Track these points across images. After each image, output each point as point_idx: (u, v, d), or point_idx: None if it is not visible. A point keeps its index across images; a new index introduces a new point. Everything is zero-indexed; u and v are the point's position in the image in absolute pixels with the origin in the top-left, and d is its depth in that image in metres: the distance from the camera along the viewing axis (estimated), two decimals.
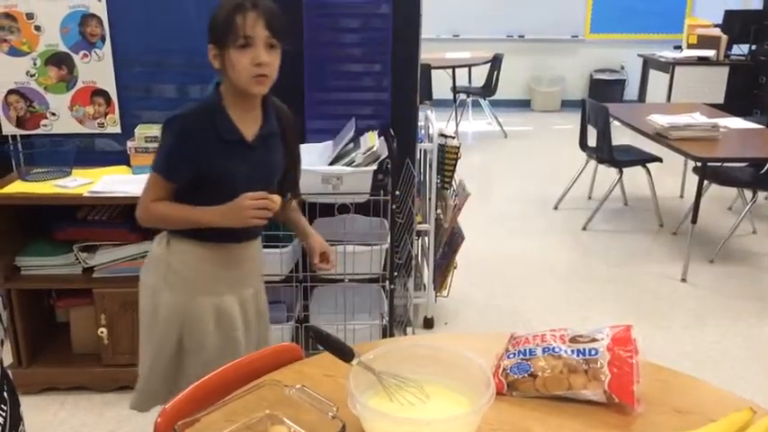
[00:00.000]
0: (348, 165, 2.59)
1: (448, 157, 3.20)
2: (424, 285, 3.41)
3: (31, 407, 2.66)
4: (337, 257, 2.52)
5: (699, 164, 3.93)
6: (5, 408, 0.88)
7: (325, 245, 2.03)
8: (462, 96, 7.73)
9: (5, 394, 0.90)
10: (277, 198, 1.72)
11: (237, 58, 1.64)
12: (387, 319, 2.79)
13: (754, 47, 6.91)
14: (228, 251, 1.85)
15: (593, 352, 1.35)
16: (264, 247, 2.61)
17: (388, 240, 2.68)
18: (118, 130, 2.87)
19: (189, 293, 1.82)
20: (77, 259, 2.68)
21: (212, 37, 1.70)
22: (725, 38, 6.84)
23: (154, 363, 1.89)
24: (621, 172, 4.74)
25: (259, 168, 1.79)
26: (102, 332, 2.67)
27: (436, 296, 3.42)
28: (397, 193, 2.68)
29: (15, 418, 0.91)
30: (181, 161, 1.71)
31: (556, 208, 5.14)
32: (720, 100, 6.58)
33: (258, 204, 1.67)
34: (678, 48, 7.37)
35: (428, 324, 3.36)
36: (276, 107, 1.85)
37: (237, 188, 1.70)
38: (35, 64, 2.78)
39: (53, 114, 2.85)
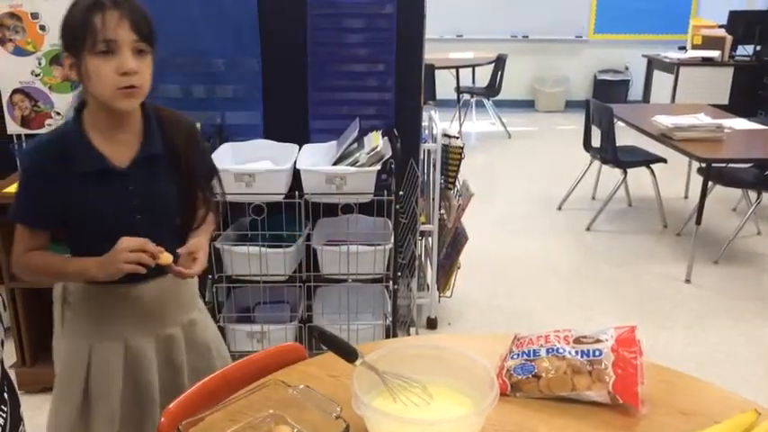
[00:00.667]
0: (352, 165, 2.59)
1: (452, 158, 3.20)
2: (428, 286, 3.41)
3: (34, 406, 2.66)
4: (340, 257, 2.52)
5: (703, 165, 3.92)
6: (6, 408, 0.88)
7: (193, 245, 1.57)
8: (466, 97, 7.73)
9: (5, 395, 0.89)
10: (164, 257, 1.44)
11: (98, 66, 1.37)
12: (390, 319, 2.79)
13: (758, 47, 6.90)
14: (133, 291, 1.56)
15: (597, 353, 1.35)
16: (269, 247, 2.63)
17: (392, 240, 2.68)
18: None
19: (90, 337, 1.59)
20: None
21: (65, 43, 1.41)
22: (729, 38, 6.82)
23: (57, 415, 1.68)
24: (625, 172, 4.73)
25: (139, 199, 1.50)
26: None
27: (440, 296, 3.42)
28: (401, 193, 2.68)
29: (15, 419, 0.91)
30: (34, 204, 1.47)
31: (560, 208, 5.14)
32: (725, 101, 6.57)
33: (132, 258, 1.40)
34: (683, 48, 7.36)
35: (431, 324, 3.36)
36: (163, 121, 1.55)
37: (116, 226, 1.46)
38: (40, 63, 2.79)
39: (58, 114, 2.86)
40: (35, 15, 2.73)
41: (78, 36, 1.37)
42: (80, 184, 1.45)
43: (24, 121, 2.86)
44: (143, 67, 1.42)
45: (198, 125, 1.68)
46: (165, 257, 1.46)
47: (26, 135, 2.86)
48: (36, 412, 2.62)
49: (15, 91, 2.81)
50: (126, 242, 1.41)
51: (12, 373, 2.73)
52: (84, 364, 1.61)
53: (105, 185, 1.47)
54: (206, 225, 1.66)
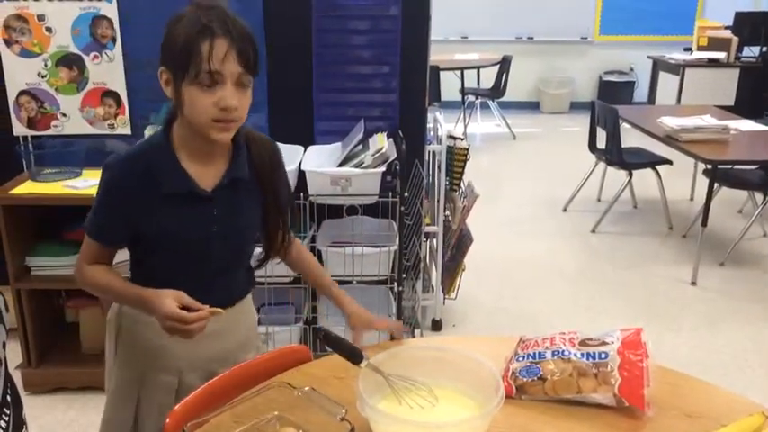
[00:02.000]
0: (357, 166, 2.59)
1: (456, 159, 3.20)
2: (433, 287, 3.41)
3: (40, 406, 2.68)
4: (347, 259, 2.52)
5: (709, 166, 3.91)
6: (8, 412, 0.88)
7: (367, 319, 1.61)
8: (471, 98, 7.72)
9: (8, 398, 0.89)
10: (197, 326, 1.31)
11: (197, 96, 1.28)
12: (395, 320, 2.78)
13: (764, 49, 6.87)
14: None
15: (603, 355, 1.34)
16: None
17: (397, 242, 2.68)
18: (128, 131, 2.89)
19: (143, 368, 1.51)
20: None
21: (166, 59, 1.32)
22: (735, 40, 6.80)
23: None
24: (631, 174, 4.72)
25: (220, 225, 1.43)
26: None
27: (444, 298, 3.41)
28: (406, 194, 2.68)
29: (18, 423, 0.91)
30: (111, 220, 1.40)
31: (565, 210, 5.13)
32: (731, 102, 6.54)
33: (168, 326, 1.31)
34: (688, 50, 7.34)
35: (436, 326, 3.35)
36: (250, 143, 1.49)
37: (192, 251, 1.42)
38: (46, 65, 2.80)
39: (64, 115, 2.87)
40: (41, 17, 2.74)
41: (180, 59, 1.27)
42: (163, 204, 1.38)
43: (31, 123, 2.87)
44: (243, 100, 1.33)
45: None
46: (215, 312, 1.35)
47: (32, 136, 2.87)
48: (42, 412, 2.64)
49: (22, 92, 2.83)
50: (168, 307, 1.30)
51: (18, 374, 2.74)
52: (134, 395, 1.53)
53: (189, 208, 1.40)
54: (314, 266, 1.68)
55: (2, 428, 0.85)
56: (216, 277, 1.48)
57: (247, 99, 1.35)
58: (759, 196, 4.50)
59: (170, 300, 1.31)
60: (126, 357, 1.54)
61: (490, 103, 7.84)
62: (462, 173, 3.25)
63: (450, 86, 7.35)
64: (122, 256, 1.52)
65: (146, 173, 1.36)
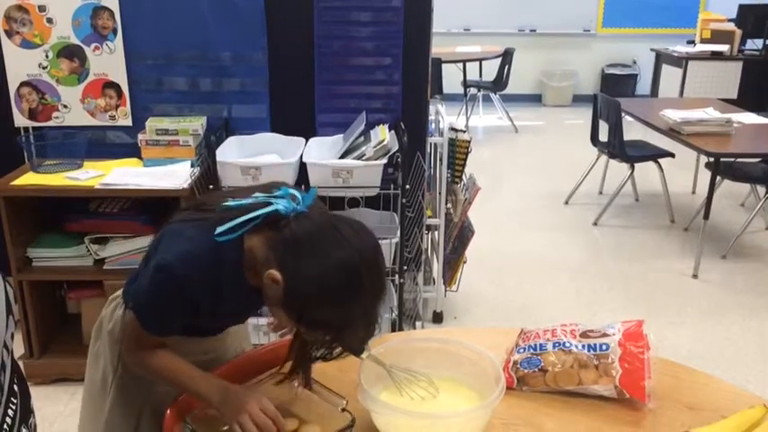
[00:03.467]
0: (358, 158, 2.59)
1: (458, 152, 3.19)
2: (434, 280, 3.41)
3: (42, 397, 2.68)
4: None
5: (711, 159, 3.90)
6: (15, 400, 0.88)
7: None
8: (473, 91, 7.70)
9: (16, 387, 0.89)
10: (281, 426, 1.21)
11: (283, 321, 1.24)
12: (396, 313, 2.79)
13: None
14: (204, 339, 1.47)
15: (604, 347, 1.34)
16: None
17: (398, 234, 2.68)
18: (129, 122, 2.88)
19: (148, 382, 1.42)
20: (88, 251, 2.69)
21: (288, 295, 1.15)
22: (739, 32, 6.77)
23: None
24: (633, 167, 4.71)
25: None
26: None
27: (446, 290, 3.41)
28: (408, 187, 2.68)
29: (26, 411, 0.91)
30: (173, 320, 1.29)
31: (566, 203, 5.12)
32: (734, 95, 6.52)
33: (260, 421, 1.18)
34: (691, 42, 7.31)
35: (437, 318, 3.36)
36: None
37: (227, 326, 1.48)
38: (47, 56, 2.79)
39: (65, 107, 2.86)
40: (42, 8, 2.73)
41: (309, 322, 1.17)
42: (224, 307, 1.29)
43: (32, 114, 2.86)
44: None
45: None
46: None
47: (33, 128, 2.87)
48: (44, 403, 2.65)
49: (23, 84, 2.82)
50: (255, 410, 1.18)
51: (19, 365, 2.75)
52: (138, 408, 1.47)
53: (243, 304, 1.36)
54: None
55: (10, 417, 0.85)
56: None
57: None
58: (761, 189, 4.49)
59: (258, 404, 1.20)
60: (123, 398, 1.47)
61: (492, 95, 7.82)
62: (464, 165, 3.24)
63: (452, 79, 7.33)
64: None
65: (214, 283, 1.23)
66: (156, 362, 1.31)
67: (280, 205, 1.18)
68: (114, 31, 2.77)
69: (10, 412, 0.85)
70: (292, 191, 1.23)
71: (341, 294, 1.12)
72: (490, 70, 7.54)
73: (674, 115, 4.11)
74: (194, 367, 1.31)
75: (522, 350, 1.41)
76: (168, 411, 1.28)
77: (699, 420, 1.24)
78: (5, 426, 0.82)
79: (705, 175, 4.09)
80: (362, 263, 1.14)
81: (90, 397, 1.52)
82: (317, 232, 1.15)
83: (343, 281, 1.12)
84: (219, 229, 1.19)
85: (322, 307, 1.13)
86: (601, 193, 5.23)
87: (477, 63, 7.57)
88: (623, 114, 4.50)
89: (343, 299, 1.12)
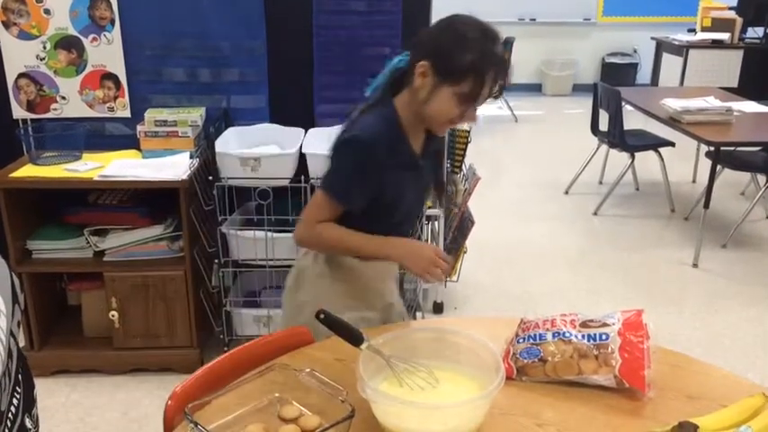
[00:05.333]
0: None
1: (458, 142, 3.18)
2: None
3: (42, 389, 2.69)
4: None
5: (712, 148, 3.89)
6: (20, 390, 0.88)
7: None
8: None
9: (20, 376, 0.90)
10: (448, 267, 1.58)
11: (450, 104, 1.47)
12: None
13: None
14: (382, 265, 1.70)
15: (603, 337, 1.34)
16: (275, 231, 2.63)
17: None
18: (128, 114, 2.87)
19: (337, 308, 1.57)
20: (88, 243, 2.69)
21: (439, 62, 1.46)
22: (739, 21, 6.74)
23: None
24: (633, 156, 4.70)
25: (422, 188, 1.70)
26: (113, 315, 2.69)
27: (446, 281, 3.41)
28: None
29: (29, 401, 0.92)
30: (359, 187, 1.56)
31: (567, 193, 5.12)
32: (734, 84, 6.50)
33: (441, 265, 1.53)
34: (692, 31, 7.28)
35: (438, 309, 3.36)
36: None
37: (404, 210, 1.64)
38: (45, 47, 2.78)
39: (63, 98, 2.85)
40: None
41: (459, 75, 1.45)
42: (394, 171, 1.57)
43: (30, 106, 2.85)
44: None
45: None
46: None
47: (32, 119, 2.86)
48: (44, 395, 2.65)
49: (21, 75, 2.81)
50: (438, 252, 1.55)
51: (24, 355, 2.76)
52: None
53: (408, 173, 1.61)
54: None
55: (14, 406, 0.85)
56: (400, 234, 1.65)
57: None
58: (762, 178, 4.49)
59: (425, 244, 1.61)
60: (326, 297, 1.64)
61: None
62: (464, 155, 3.24)
63: None
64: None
65: (386, 146, 1.54)
66: (330, 233, 1.59)
67: (397, 59, 1.59)
68: (112, 22, 2.76)
69: (14, 401, 0.85)
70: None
71: (474, 39, 1.44)
72: None
73: (674, 104, 4.10)
74: (364, 234, 1.58)
75: (521, 340, 1.41)
76: (168, 402, 1.28)
77: (698, 409, 1.25)
78: (10, 414, 0.82)
79: (705, 164, 4.08)
80: (480, 23, 1.48)
81: None
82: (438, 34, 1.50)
83: (471, 28, 1.46)
84: (369, 89, 1.62)
85: (463, 53, 1.42)
86: (601, 182, 5.23)
87: None
88: (623, 103, 4.48)
89: (475, 42, 1.44)
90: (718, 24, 6.87)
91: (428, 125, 1.58)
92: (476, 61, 1.43)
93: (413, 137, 1.61)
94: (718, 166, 4.01)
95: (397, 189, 1.60)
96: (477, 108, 1.51)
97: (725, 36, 6.72)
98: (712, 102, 4.20)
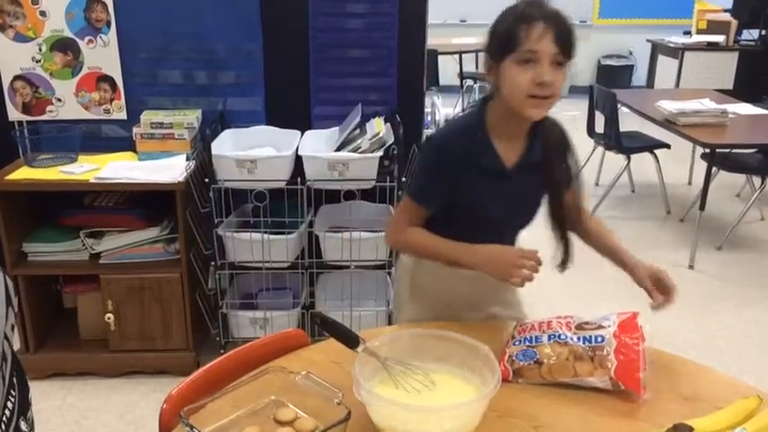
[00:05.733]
0: (354, 151, 2.58)
1: None
2: None
3: (38, 392, 2.68)
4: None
5: (707, 150, 3.90)
6: (15, 393, 0.88)
7: (653, 270, 1.73)
8: (469, 82, 7.67)
9: (15, 380, 0.90)
10: (533, 267, 1.50)
11: (516, 74, 1.44)
12: (392, 305, 2.79)
13: (764, 32, 6.82)
14: (475, 275, 1.63)
15: (599, 339, 1.35)
16: (271, 233, 2.63)
17: None
18: (124, 116, 2.87)
19: (431, 309, 1.71)
20: (84, 245, 2.68)
21: (488, 47, 1.51)
22: (735, 23, 6.76)
23: None
24: (629, 158, 4.71)
25: (515, 200, 1.61)
26: (108, 318, 2.68)
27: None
28: (404, 179, 2.67)
29: (24, 404, 0.92)
30: (434, 187, 1.59)
31: None
32: (730, 86, 6.52)
33: (527, 265, 1.48)
34: (687, 33, 7.29)
35: None
36: (546, 128, 1.61)
37: (491, 221, 1.61)
38: (40, 50, 2.78)
39: (59, 100, 2.85)
40: (35, 1, 2.71)
41: (503, 43, 1.45)
42: (475, 177, 1.55)
43: (25, 108, 2.85)
44: (559, 78, 1.47)
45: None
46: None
47: (27, 122, 2.86)
48: (40, 398, 2.65)
49: (16, 77, 2.80)
50: (521, 253, 1.52)
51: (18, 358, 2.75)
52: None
53: (493, 183, 1.57)
54: (609, 235, 1.81)
55: (9, 409, 0.85)
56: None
57: (562, 78, 1.48)
58: (757, 180, 4.50)
59: (510, 247, 1.57)
60: (419, 298, 1.76)
61: (488, 87, 7.79)
62: None
63: (448, 70, 7.31)
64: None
65: (465, 148, 1.54)
66: (416, 238, 1.62)
67: None
68: (108, 24, 2.76)
69: (9, 405, 0.85)
70: None
71: (509, 8, 1.48)
72: None
73: (669, 106, 4.11)
74: (449, 240, 1.58)
75: (517, 342, 1.41)
76: (163, 406, 1.28)
77: (694, 411, 1.25)
78: (4, 418, 0.82)
79: (701, 166, 4.09)
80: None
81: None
82: None
83: (510, 7, 1.49)
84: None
85: (502, 23, 1.48)
86: (597, 184, 5.24)
87: (474, 54, 7.55)
88: (619, 105, 4.49)
89: (510, 9, 1.49)
90: (713, 27, 6.89)
91: (519, 112, 1.49)
92: (512, 21, 1.45)
93: (505, 145, 1.57)
94: (714, 168, 4.02)
95: (478, 196, 1.58)
96: (545, 64, 1.43)
97: (720, 38, 6.74)
98: (707, 104, 4.21)
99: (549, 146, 1.60)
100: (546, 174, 1.61)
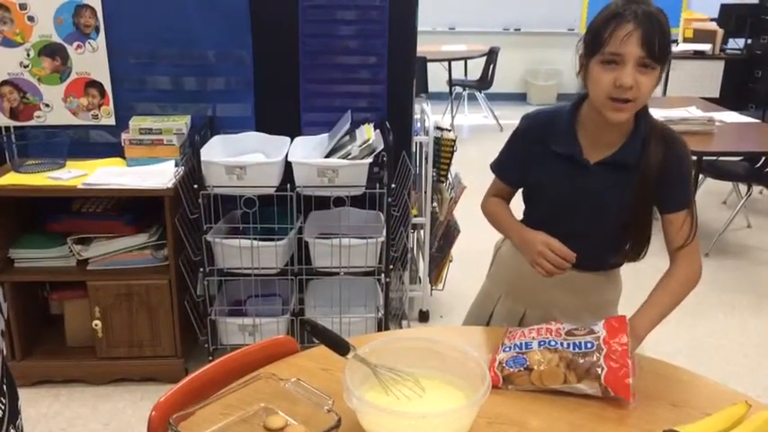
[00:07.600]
0: (344, 157, 2.58)
1: (444, 150, 3.19)
2: (420, 278, 3.41)
3: (25, 400, 2.65)
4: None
5: (694, 158, 3.93)
6: (4, 401, 0.87)
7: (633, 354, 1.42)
8: (458, 89, 7.71)
9: (5, 387, 0.89)
10: (571, 258, 1.51)
11: (599, 73, 1.43)
12: (382, 312, 2.79)
13: (749, 41, 6.91)
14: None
15: (588, 345, 1.35)
16: (261, 240, 2.62)
17: (384, 233, 2.68)
18: (112, 121, 2.86)
19: (501, 289, 1.82)
20: (71, 252, 2.66)
21: (585, 42, 1.49)
22: (721, 32, 6.83)
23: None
24: None
25: (588, 195, 1.56)
26: (96, 325, 2.66)
27: (432, 289, 3.42)
28: (393, 185, 2.68)
29: (14, 412, 0.91)
30: (508, 160, 1.71)
31: None
32: (716, 94, 6.58)
33: (549, 257, 1.51)
34: (674, 42, 7.36)
35: (423, 317, 3.36)
36: (654, 138, 1.53)
37: (560, 212, 1.60)
38: (28, 55, 2.76)
39: (47, 106, 2.83)
40: (23, 6, 2.70)
41: (591, 41, 1.45)
42: (550, 160, 1.58)
43: (13, 113, 2.83)
44: (644, 82, 1.41)
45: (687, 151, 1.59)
46: (572, 259, 1.54)
47: (14, 127, 2.84)
48: (26, 405, 2.62)
49: (4, 82, 2.79)
50: (548, 243, 1.53)
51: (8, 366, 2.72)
52: (490, 306, 1.85)
53: (568, 170, 1.57)
54: (659, 289, 1.76)
55: None
56: (576, 241, 1.55)
57: (650, 81, 1.42)
58: (743, 187, 4.53)
59: (544, 235, 1.55)
60: (495, 275, 1.89)
61: (477, 94, 7.83)
62: (449, 164, 3.25)
63: (437, 78, 7.34)
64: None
65: (546, 128, 1.59)
66: (492, 208, 1.79)
67: None
68: (97, 30, 2.74)
69: None
70: None
71: (610, 4, 1.46)
72: (475, 69, 7.55)
73: (656, 114, 4.11)
74: (511, 217, 1.72)
75: (507, 349, 1.41)
76: (152, 414, 1.27)
77: (683, 418, 1.25)
78: None
79: None
80: None
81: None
82: None
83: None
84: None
85: (596, 20, 1.46)
86: None
87: (463, 62, 7.58)
88: None
89: (609, 5, 1.46)
90: (699, 35, 6.95)
91: (601, 112, 1.46)
92: (602, 19, 1.43)
93: (591, 139, 1.56)
94: (701, 176, 4.05)
95: (550, 178, 1.60)
96: (628, 67, 1.38)
97: (706, 47, 6.80)
98: (694, 112, 4.25)
99: (650, 158, 1.52)
100: (640, 185, 1.54)
